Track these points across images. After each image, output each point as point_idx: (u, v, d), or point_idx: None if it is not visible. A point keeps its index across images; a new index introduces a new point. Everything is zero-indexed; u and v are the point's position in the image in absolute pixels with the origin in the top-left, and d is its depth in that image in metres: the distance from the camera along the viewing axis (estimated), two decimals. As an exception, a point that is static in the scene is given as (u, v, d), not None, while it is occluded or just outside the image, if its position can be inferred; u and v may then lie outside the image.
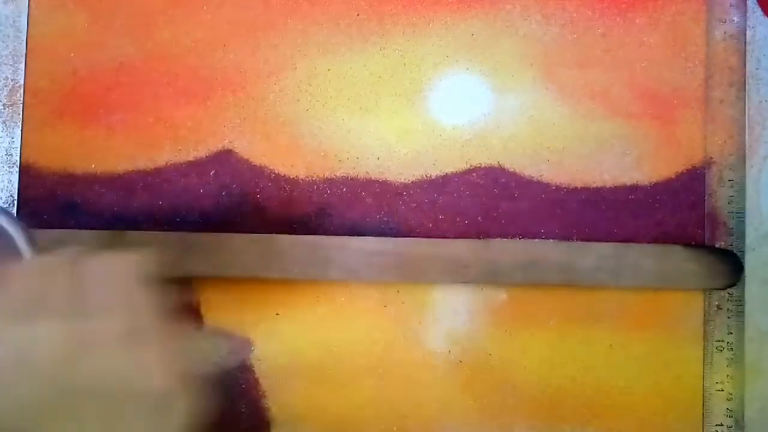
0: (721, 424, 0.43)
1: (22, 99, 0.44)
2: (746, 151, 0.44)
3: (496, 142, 0.45)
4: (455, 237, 0.44)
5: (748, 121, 0.45)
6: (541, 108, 0.45)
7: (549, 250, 0.43)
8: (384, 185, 0.44)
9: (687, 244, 0.43)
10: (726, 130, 0.44)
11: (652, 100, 0.45)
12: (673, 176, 0.44)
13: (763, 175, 0.45)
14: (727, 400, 0.43)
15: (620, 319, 0.44)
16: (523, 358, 0.44)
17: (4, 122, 0.44)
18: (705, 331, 0.44)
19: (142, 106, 0.44)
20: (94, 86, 0.44)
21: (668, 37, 0.45)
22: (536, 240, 0.44)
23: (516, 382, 0.44)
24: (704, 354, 0.44)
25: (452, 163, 0.44)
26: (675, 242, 0.44)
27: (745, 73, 0.45)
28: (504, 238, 0.44)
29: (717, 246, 0.44)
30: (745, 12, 0.45)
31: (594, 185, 0.44)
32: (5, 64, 0.44)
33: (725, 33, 0.45)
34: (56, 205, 0.44)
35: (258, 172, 0.44)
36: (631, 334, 0.44)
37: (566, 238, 0.44)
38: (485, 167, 0.44)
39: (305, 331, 0.44)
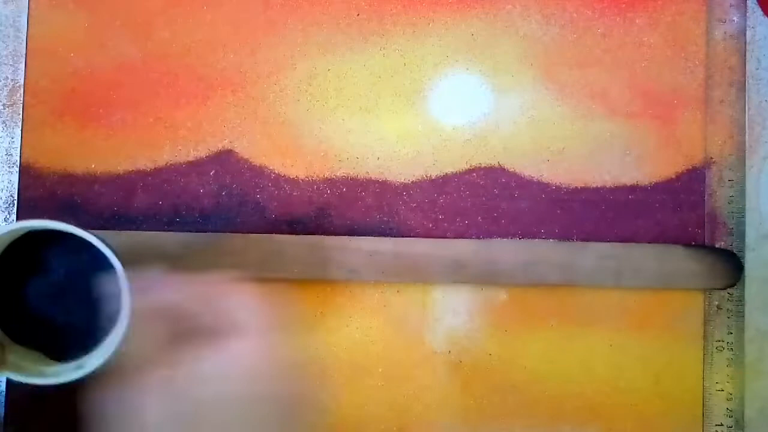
0: (721, 424, 0.43)
1: (22, 99, 0.44)
2: (746, 151, 0.44)
3: (496, 142, 0.44)
4: (455, 237, 0.44)
5: (748, 121, 0.45)
6: (541, 108, 0.45)
7: (549, 250, 0.43)
8: (384, 185, 0.44)
9: (687, 244, 0.43)
10: (726, 130, 0.44)
11: (652, 100, 0.45)
12: (674, 176, 0.44)
13: (763, 175, 0.45)
14: (727, 400, 0.43)
15: (620, 319, 0.44)
16: (523, 358, 0.44)
17: (4, 122, 0.44)
18: (705, 331, 0.44)
19: (142, 106, 0.44)
20: (94, 86, 0.44)
21: (668, 37, 0.45)
22: (536, 240, 0.44)
23: (516, 382, 0.44)
24: (704, 354, 0.44)
25: (452, 163, 0.44)
26: (675, 242, 0.44)
27: (745, 73, 0.45)
28: (504, 238, 0.44)
29: (717, 246, 0.44)
30: (745, 12, 0.45)
31: (594, 185, 0.44)
32: (5, 64, 0.44)
33: (725, 33, 0.45)
34: (56, 205, 0.44)
35: (258, 172, 0.44)
36: (631, 334, 0.44)
37: (566, 238, 0.44)
38: (485, 167, 0.44)
39: (305, 331, 0.44)
